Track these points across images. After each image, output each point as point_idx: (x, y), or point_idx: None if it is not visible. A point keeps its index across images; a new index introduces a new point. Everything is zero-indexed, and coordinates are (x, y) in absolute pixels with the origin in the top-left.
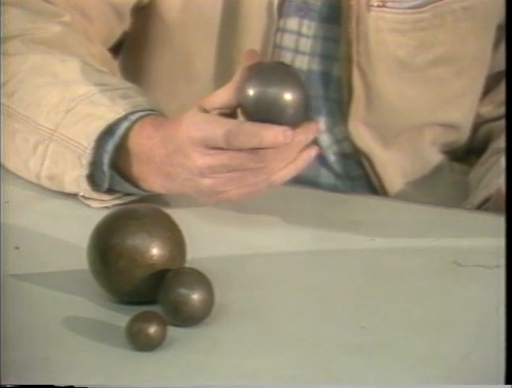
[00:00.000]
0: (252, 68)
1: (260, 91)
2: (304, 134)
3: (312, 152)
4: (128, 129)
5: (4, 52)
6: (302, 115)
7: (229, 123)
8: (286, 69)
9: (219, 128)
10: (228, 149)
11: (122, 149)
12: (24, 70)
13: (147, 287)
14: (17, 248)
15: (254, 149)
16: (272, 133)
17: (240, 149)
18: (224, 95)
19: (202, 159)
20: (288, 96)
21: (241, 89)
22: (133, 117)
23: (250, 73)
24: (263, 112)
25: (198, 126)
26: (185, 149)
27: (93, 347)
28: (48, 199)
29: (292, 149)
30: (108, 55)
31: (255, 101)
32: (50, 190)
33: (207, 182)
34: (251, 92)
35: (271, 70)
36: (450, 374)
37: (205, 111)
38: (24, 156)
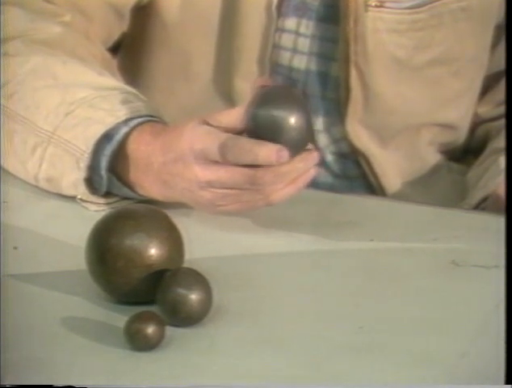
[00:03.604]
0: (257, 91)
1: (264, 114)
2: (303, 162)
3: (312, 172)
4: (127, 135)
5: (4, 53)
6: (305, 141)
7: (226, 136)
8: (291, 92)
9: (216, 141)
10: (224, 164)
11: (120, 155)
12: (24, 72)
13: (145, 287)
14: (15, 248)
15: (251, 172)
16: (266, 151)
17: (236, 168)
18: (232, 117)
19: (202, 172)
20: (292, 120)
21: (245, 111)
22: (132, 123)
23: (255, 97)
24: (266, 135)
25: (199, 138)
26: (186, 159)
27: (91, 348)
28: (46, 199)
29: (290, 175)
30: (108, 55)
31: (258, 124)
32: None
33: (205, 194)
34: (255, 115)
35: (276, 94)
36: (449, 374)
37: (207, 124)
38: (22, 158)
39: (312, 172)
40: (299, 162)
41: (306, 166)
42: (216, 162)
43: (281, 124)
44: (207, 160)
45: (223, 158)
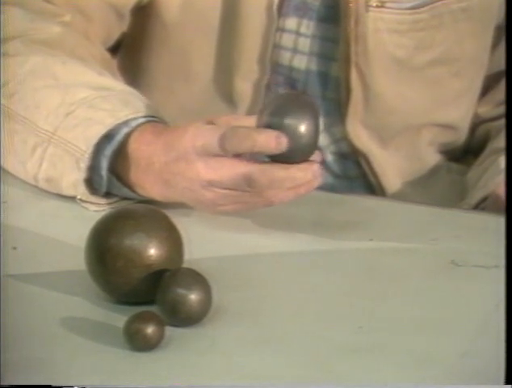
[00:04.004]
0: (269, 98)
1: (275, 122)
2: (302, 173)
3: (315, 183)
4: (128, 135)
5: (4, 53)
6: (312, 148)
7: (226, 128)
8: (303, 100)
9: (216, 134)
10: (225, 157)
11: (121, 155)
12: (24, 72)
13: (145, 287)
14: (14, 248)
15: (247, 173)
16: (264, 137)
17: (236, 168)
18: (243, 123)
19: (204, 170)
20: (303, 129)
21: (257, 119)
22: (133, 123)
23: (267, 104)
24: None
25: (201, 134)
26: (188, 157)
27: (91, 348)
28: (46, 199)
29: (286, 182)
30: (108, 55)
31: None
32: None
33: (207, 194)
34: (266, 122)
35: (288, 101)
36: (449, 374)
37: (212, 124)
38: (22, 158)
39: (315, 183)
40: (297, 171)
41: (305, 176)
42: (217, 158)
43: (291, 132)
44: (209, 156)
45: (222, 150)
